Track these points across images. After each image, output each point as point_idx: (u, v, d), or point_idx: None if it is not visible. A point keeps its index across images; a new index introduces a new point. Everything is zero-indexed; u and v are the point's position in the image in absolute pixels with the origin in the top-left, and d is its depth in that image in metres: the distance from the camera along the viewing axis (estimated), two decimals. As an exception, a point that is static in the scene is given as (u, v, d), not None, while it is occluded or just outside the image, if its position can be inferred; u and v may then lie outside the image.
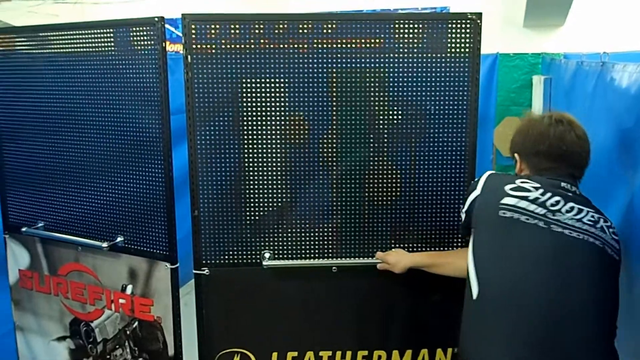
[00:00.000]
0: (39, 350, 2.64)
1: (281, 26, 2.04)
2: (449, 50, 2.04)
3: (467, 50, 2.02)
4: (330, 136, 2.09)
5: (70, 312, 2.50)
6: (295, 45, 2.03)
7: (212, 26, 2.03)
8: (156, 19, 2.07)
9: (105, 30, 2.19)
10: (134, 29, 2.11)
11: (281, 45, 2.04)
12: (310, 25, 2.02)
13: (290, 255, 2.16)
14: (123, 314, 2.34)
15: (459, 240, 2.14)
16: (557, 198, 1.54)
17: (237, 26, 2.03)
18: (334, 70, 2.05)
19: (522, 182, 1.58)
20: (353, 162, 2.12)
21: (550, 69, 4.12)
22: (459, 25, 2.01)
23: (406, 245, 2.14)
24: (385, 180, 2.12)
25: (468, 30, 2.01)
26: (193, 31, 2.01)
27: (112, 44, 2.18)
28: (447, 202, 2.11)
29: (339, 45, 2.03)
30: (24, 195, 2.52)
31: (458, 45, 2.03)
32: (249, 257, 2.15)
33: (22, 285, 2.60)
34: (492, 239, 1.57)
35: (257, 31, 2.03)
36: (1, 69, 2.47)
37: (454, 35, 2.02)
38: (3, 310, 2.67)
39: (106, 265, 2.34)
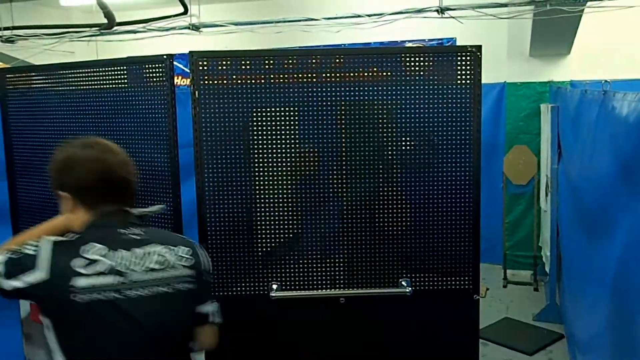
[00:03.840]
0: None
1: (289, 61, 2.10)
2: (452, 81, 2.08)
3: (468, 81, 2.06)
4: (339, 167, 2.12)
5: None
6: (303, 79, 2.09)
7: (219, 62, 2.09)
8: (165, 56, 2.13)
9: (117, 68, 2.27)
10: (145, 66, 2.18)
11: (289, 79, 2.10)
12: (317, 60, 2.08)
13: (298, 286, 2.17)
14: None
15: (468, 269, 2.13)
16: (122, 253, 1.38)
17: (243, 62, 2.10)
18: (343, 102, 2.10)
19: (87, 254, 1.35)
20: (361, 193, 2.14)
21: (557, 97, 4.16)
22: (460, 58, 2.05)
23: (414, 275, 2.15)
24: (393, 211, 2.14)
25: (468, 62, 2.05)
26: (200, 68, 2.08)
27: (124, 80, 2.25)
28: (454, 231, 2.12)
29: (348, 78, 2.08)
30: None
31: (460, 76, 2.07)
32: (257, 288, 2.17)
33: (32, 318, 2.62)
34: (78, 332, 1.36)
35: (265, 66, 2.09)
36: (19, 105, 2.55)
37: (456, 67, 2.07)
38: (13, 341, 2.70)
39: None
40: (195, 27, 4.61)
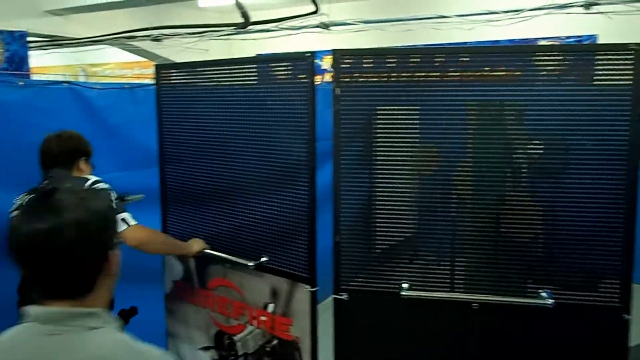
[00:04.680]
0: (186, 357, 2.86)
1: (436, 59, 2.09)
2: (601, 81, 1.95)
3: (626, 81, 1.91)
4: (471, 168, 2.08)
5: (216, 324, 2.68)
6: (441, 77, 2.07)
7: (360, 60, 2.13)
8: (307, 54, 2.20)
9: (260, 65, 2.38)
10: (287, 63, 2.27)
11: (421, 77, 2.09)
12: (464, 58, 2.05)
13: (428, 288, 2.15)
14: (264, 330, 2.47)
15: (618, 285, 1.98)
16: None
17: (385, 59, 2.11)
18: (472, 101, 2.05)
19: None
20: (493, 195, 2.08)
21: None
22: (617, 57, 1.91)
23: (554, 286, 2.04)
24: (530, 217, 2.05)
25: (627, 61, 1.91)
26: (342, 65, 2.12)
27: (267, 76, 2.36)
28: (602, 242, 1.98)
29: (477, 77, 2.03)
30: (181, 213, 2.77)
31: (615, 76, 1.93)
32: (387, 286, 2.18)
33: (175, 295, 2.84)
34: None
35: (405, 63, 2.10)
36: (166, 99, 2.77)
37: (610, 67, 1.93)
38: (157, 315, 2.94)
39: (250, 283, 2.49)
40: (325, 26, 4.72)
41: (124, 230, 2.21)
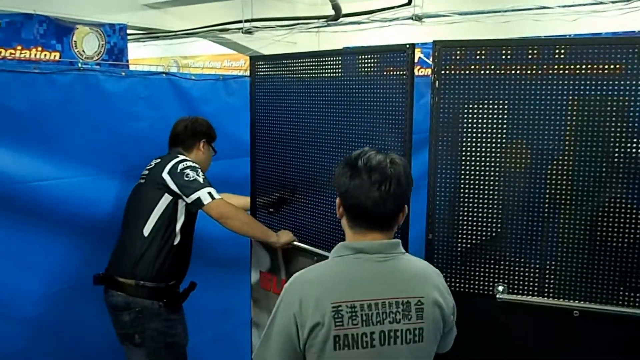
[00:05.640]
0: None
1: (532, 51, 1.97)
2: None
3: None
4: (570, 167, 1.95)
5: (301, 316, 2.68)
6: (544, 70, 1.94)
7: (460, 52, 2.04)
8: (407, 45, 2.13)
9: (358, 57, 2.34)
10: (387, 55, 2.22)
11: (528, 71, 1.97)
12: (565, 50, 1.91)
13: (525, 291, 2.03)
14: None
15: None
16: None
17: (484, 51, 2.01)
18: (571, 97, 1.91)
19: None
20: (594, 197, 1.93)
21: None
22: None
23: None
24: (636, 222, 1.88)
25: None
26: (444, 57, 2.04)
27: (366, 68, 2.31)
28: None
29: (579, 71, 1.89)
30: (271, 205, 2.80)
31: None
32: (481, 287, 2.09)
33: (262, 286, 2.88)
34: None
35: (502, 56, 1.99)
36: (260, 91, 2.79)
37: None
38: (243, 303, 2.99)
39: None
40: (418, 18, 4.61)
41: (209, 202, 2.47)
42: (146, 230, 2.55)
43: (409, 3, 4.54)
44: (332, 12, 4.84)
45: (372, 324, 1.45)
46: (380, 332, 1.46)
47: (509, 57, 1.99)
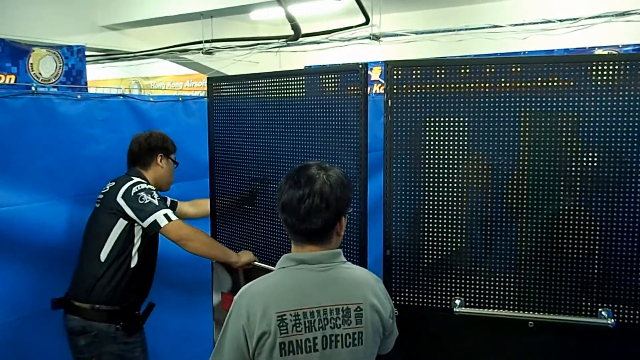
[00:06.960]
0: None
1: (488, 69, 2.03)
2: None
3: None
4: (520, 180, 2.01)
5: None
6: (485, 88, 2.01)
7: (413, 71, 2.09)
8: (360, 65, 2.18)
9: (312, 77, 2.37)
10: (341, 75, 2.25)
11: (473, 88, 2.03)
12: (517, 68, 1.98)
13: (482, 304, 2.07)
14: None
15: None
16: None
17: (439, 71, 2.07)
18: (523, 112, 1.98)
19: None
20: (548, 210, 1.99)
21: None
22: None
23: (615, 305, 1.93)
24: (590, 231, 1.95)
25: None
26: (395, 77, 2.09)
27: (318, 88, 2.34)
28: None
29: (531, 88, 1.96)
30: (230, 224, 2.79)
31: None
32: (439, 301, 2.11)
33: (223, 307, 2.85)
34: None
35: (461, 75, 2.04)
36: (218, 111, 2.80)
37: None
38: (207, 326, 2.96)
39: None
40: (376, 37, 4.69)
41: (166, 225, 2.46)
42: (103, 255, 2.51)
43: (367, 23, 4.63)
44: (292, 33, 4.90)
45: (315, 330, 1.53)
46: (323, 337, 1.54)
47: (464, 74, 2.04)
